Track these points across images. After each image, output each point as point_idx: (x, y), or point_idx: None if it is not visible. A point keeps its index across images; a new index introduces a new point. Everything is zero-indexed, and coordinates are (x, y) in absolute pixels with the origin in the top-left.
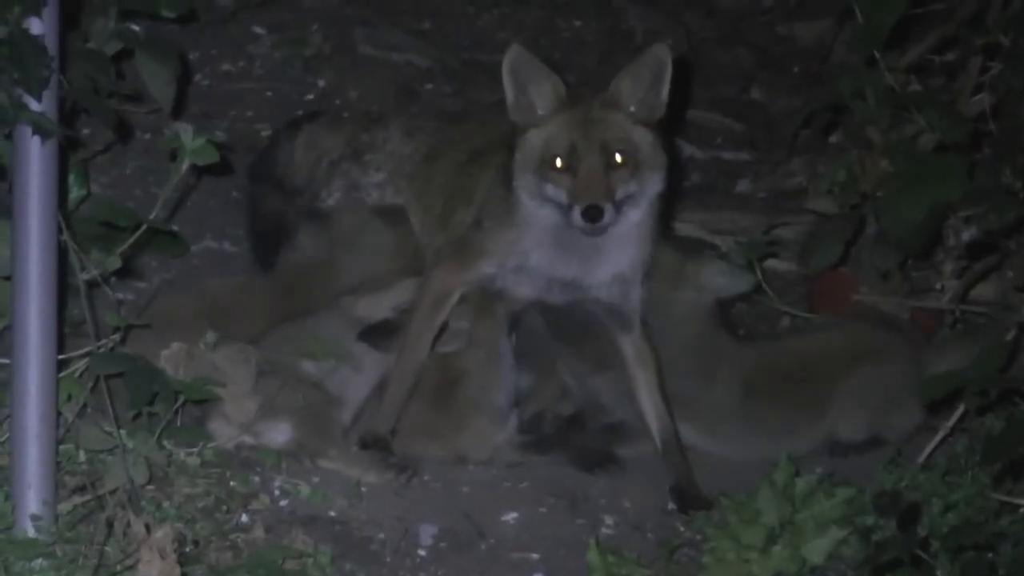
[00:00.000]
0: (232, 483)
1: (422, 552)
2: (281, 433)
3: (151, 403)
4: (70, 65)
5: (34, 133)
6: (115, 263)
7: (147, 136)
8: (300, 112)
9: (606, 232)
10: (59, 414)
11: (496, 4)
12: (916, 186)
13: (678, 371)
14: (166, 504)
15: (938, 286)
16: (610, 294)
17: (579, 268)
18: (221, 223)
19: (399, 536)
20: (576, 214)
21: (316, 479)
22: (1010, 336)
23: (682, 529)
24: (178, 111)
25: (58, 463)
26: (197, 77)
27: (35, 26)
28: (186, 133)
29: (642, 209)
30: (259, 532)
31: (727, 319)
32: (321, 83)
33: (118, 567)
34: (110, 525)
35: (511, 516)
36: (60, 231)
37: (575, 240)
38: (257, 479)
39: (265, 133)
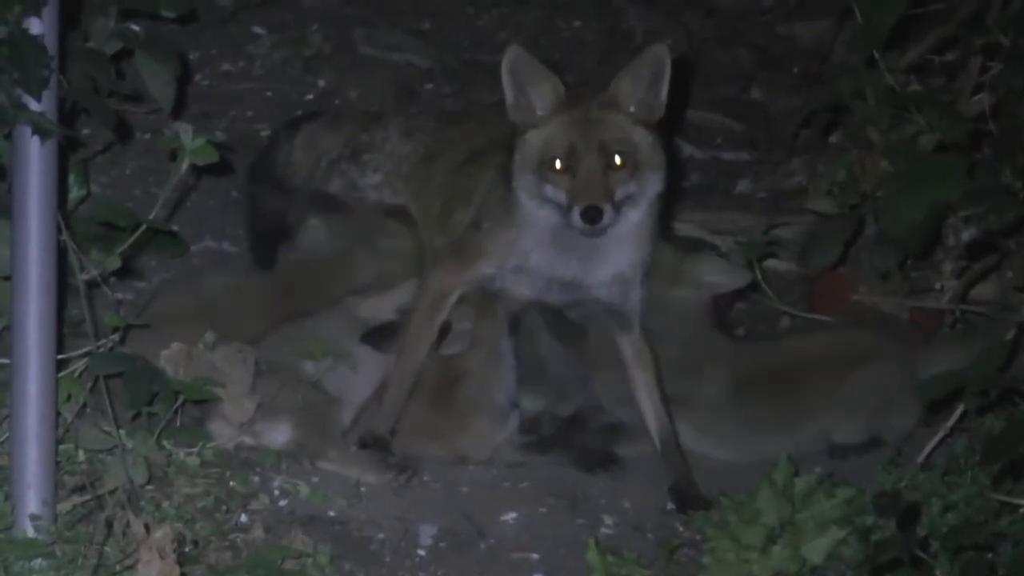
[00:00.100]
0: (231, 483)
1: (422, 552)
2: (281, 434)
3: (150, 403)
4: (70, 65)
5: (34, 133)
6: (115, 263)
7: (147, 136)
8: (300, 112)
9: (605, 233)
10: (59, 414)
11: (496, 4)
12: (916, 186)
13: (674, 370)
14: (165, 504)
15: (938, 286)
16: (610, 294)
17: (579, 268)
18: (221, 223)
19: (399, 536)
20: (575, 215)
21: (315, 479)
22: (1010, 336)
23: (682, 529)
24: (178, 111)
25: (57, 463)
26: (197, 77)
27: (35, 26)
28: (186, 133)
29: (641, 209)
30: (258, 532)
31: (723, 319)
32: (321, 83)
33: (117, 567)
34: (109, 525)
35: (511, 516)
36: (60, 231)
37: (574, 240)
38: (256, 479)
39: (265, 133)
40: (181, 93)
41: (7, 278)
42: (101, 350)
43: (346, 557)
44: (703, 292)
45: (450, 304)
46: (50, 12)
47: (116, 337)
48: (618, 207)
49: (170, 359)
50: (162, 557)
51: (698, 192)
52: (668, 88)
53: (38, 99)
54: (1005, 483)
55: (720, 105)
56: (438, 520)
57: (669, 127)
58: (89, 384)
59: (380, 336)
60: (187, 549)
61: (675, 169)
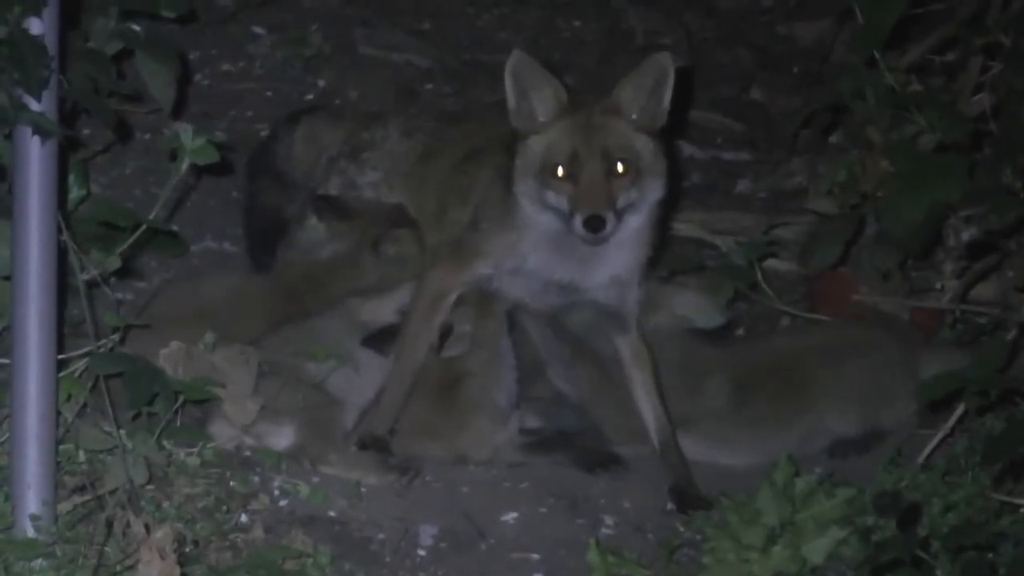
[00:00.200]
0: (232, 483)
1: (422, 552)
2: (284, 437)
3: (151, 403)
4: (70, 65)
5: (34, 133)
6: (115, 263)
7: (147, 136)
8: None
9: (607, 242)
10: (59, 414)
11: (496, 4)
12: (916, 186)
13: (677, 394)
14: (166, 504)
15: (938, 286)
16: (607, 296)
17: (576, 271)
18: (221, 223)
19: (399, 536)
20: (578, 223)
21: (316, 479)
22: (1010, 336)
23: (682, 529)
24: (178, 111)
25: (58, 463)
26: (197, 77)
27: (35, 26)
28: (186, 133)
29: (642, 216)
30: (259, 532)
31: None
32: (321, 83)
33: (118, 567)
34: (110, 525)
35: (511, 516)
36: (60, 231)
37: (573, 244)
38: (257, 479)
39: (265, 133)
40: (181, 93)
41: (7, 278)
42: (101, 350)
43: (346, 557)
44: (679, 323)
45: (448, 304)
46: (50, 12)
47: (116, 337)
48: (620, 215)
49: (169, 358)
50: (162, 557)
51: (698, 192)
52: (671, 96)
53: (38, 99)
54: (1006, 483)
55: (720, 105)
56: (438, 520)
57: (671, 132)
58: (89, 384)
59: (382, 340)
60: (187, 549)
61: (676, 176)
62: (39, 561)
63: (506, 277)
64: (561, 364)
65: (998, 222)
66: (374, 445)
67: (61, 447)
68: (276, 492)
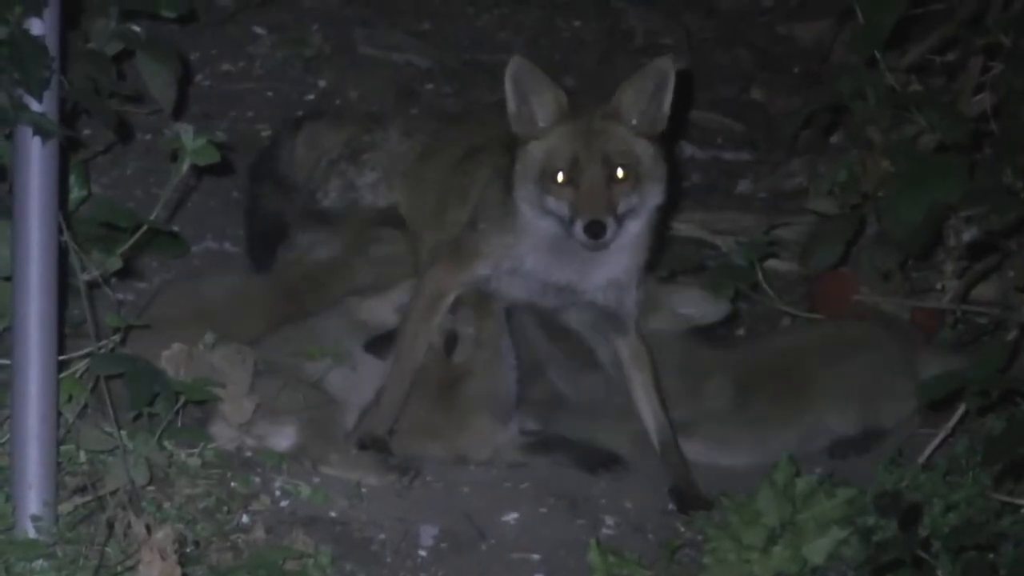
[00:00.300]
0: (233, 484)
1: (423, 553)
2: (286, 438)
3: (151, 404)
4: (71, 65)
5: (35, 134)
6: (115, 264)
7: (148, 137)
8: (301, 112)
9: (608, 247)
10: (60, 415)
11: (496, 4)
12: (917, 186)
13: (679, 398)
14: (167, 505)
15: (939, 286)
16: (605, 298)
17: (574, 273)
18: (222, 223)
19: (400, 537)
20: (578, 229)
21: (317, 480)
22: (1011, 336)
23: (683, 530)
24: (179, 112)
25: (59, 464)
26: (197, 77)
27: (36, 26)
28: (187, 133)
29: (642, 220)
30: (260, 533)
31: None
32: (321, 83)
33: (119, 568)
34: (111, 526)
35: (512, 517)
36: (60, 232)
37: (571, 247)
38: (258, 480)
39: (265, 133)
40: (182, 94)
41: (8, 279)
42: (102, 351)
43: (347, 558)
44: (679, 324)
45: (446, 305)
46: (51, 13)
47: (117, 338)
48: (620, 220)
49: (171, 360)
50: (163, 558)
51: (698, 192)
52: (671, 100)
53: (39, 100)
54: (1006, 483)
55: (720, 105)
56: (439, 521)
57: (671, 136)
58: (90, 385)
59: (383, 344)
60: (188, 550)
61: (676, 180)
62: (40, 562)
63: (504, 278)
64: (556, 364)
65: (999, 222)
66: (374, 445)
67: (62, 448)
68: (277, 493)
